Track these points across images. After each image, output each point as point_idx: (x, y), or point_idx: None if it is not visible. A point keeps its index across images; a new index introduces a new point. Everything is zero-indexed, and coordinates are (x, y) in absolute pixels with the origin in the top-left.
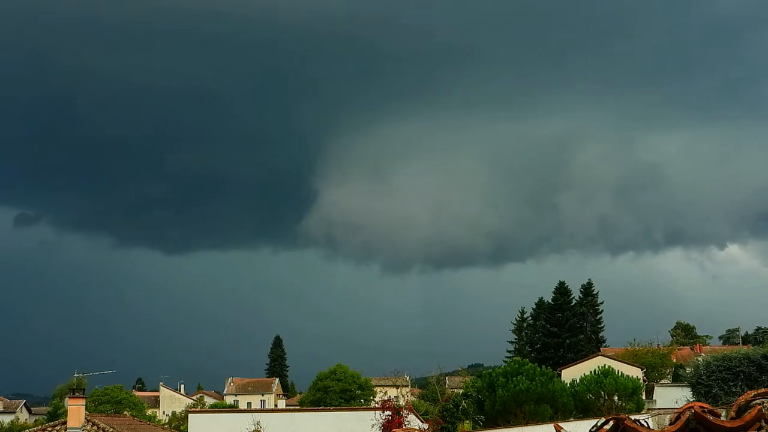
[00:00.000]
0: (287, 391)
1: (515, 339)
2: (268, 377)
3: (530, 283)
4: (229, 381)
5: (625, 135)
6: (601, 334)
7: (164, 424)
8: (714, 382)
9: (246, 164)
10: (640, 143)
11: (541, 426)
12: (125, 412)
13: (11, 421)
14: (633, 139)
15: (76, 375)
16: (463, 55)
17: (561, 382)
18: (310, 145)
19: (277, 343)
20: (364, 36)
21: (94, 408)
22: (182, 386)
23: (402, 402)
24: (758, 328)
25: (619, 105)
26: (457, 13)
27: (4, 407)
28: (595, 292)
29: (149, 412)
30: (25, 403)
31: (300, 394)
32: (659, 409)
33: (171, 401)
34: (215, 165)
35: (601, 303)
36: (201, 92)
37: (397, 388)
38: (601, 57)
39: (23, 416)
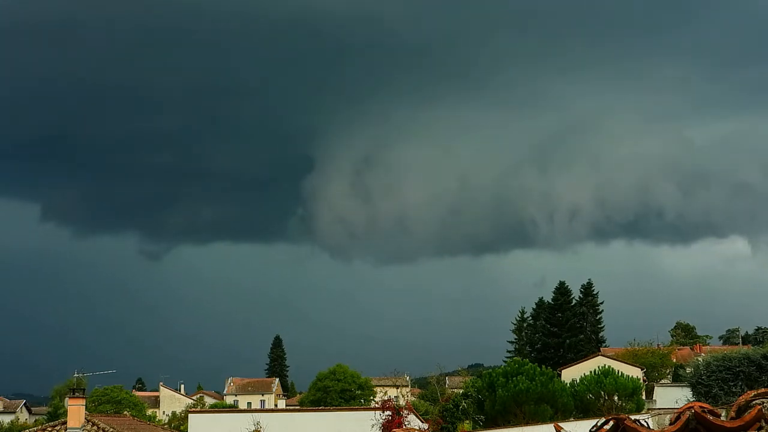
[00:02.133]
0: (287, 391)
1: (515, 339)
2: (268, 377)
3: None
4: (229, 381)
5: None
6: (601, 334)
7: (164, 424)
8: (714, 382)
9: (247, 160)
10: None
11: (541, 426)
12: (125, 412)
13: (11, 421)
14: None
15: (75, 375)
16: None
17: (561, 382)
18: (316, 138)
19: (277, 343)
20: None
21: (94, 408)
22: (182, 386)
23: (402, 402)
24: (758, 328)
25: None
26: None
27: (4, 407)
28: (595, 292)
29: (149, 412)
30: (25, 403)
31: (300, 394)
32: (659, 409)
33: (171, 401)
34: (211, 160)
35: (601, 303)
36: (202, 89)
37: (397, 388)
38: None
39: (23, 416)
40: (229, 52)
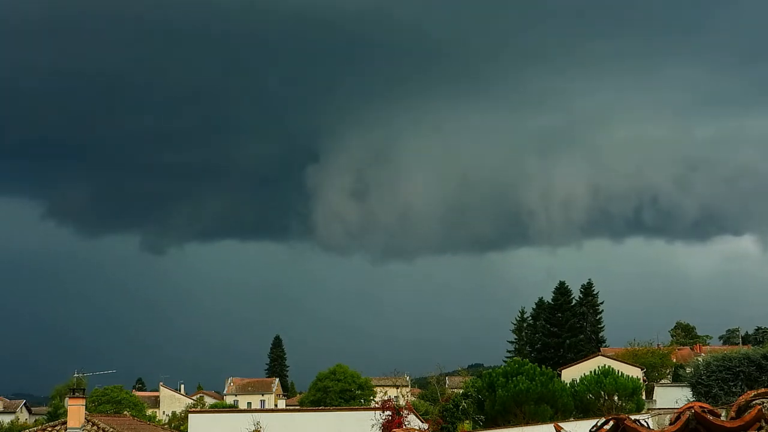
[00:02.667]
0: (287, 391)
1: (515, 339)
2: (268, 377)
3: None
4: (229, 381)
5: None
6: (601, 334)
7: (164, 424)
8: (714, 382)
9: (250, 157)
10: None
11: (541, 426)
12: (125, 412)
13: (11, 421)
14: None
15: (75, 375)
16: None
17: (561, 382)
18: (321, 136)
19: (277, 343)
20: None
21: (94, 408)
22: (182, 386)
23: (402, 402)
24: (758, 328)
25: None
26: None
27: (4, 407)
28: (595, 292)
29: (149, 412)
30: (25, 403)
31: (300, 394)
32: (659, 409)
33: (171, 401)
34: (213, 156)
35: (601, 303)
36: (211, 86)
37: (397, 388)
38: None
39: (23, 416)
40: (232, 49)
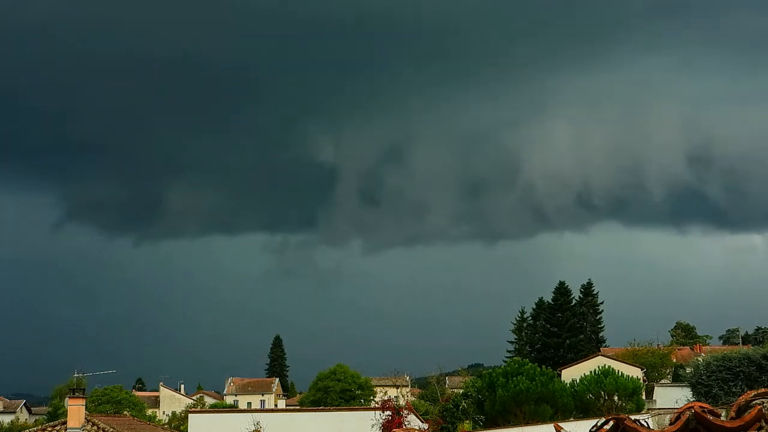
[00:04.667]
0: (287, 391)
1: (515, 339)
2: (268, 377)
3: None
4: (229, 381)
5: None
6: (601, 334)
7: (164, 424)
8: (714, 382)
9: (258, 151)
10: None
11: (541, 426)
12: (125, 412)
13: (11, 421)
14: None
15: (75, 375)
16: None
17: (561, 382)
18: (333, 132)
19: (277, 343)
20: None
21: (94, 408)
22: (182, 386)
23: (402, 402)
24: (758, 328)
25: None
26: None
27: (4, 407)
28: (595, 292)
29: (149, 412)
30: (25, 403)
31: (300, 394)
32: (659, 409)
33: (171, 401)
34: (216, 151)
35: (601, 303)
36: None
37: (397, 388)
38: None
39: (23, 416)
40: (231, 39)
